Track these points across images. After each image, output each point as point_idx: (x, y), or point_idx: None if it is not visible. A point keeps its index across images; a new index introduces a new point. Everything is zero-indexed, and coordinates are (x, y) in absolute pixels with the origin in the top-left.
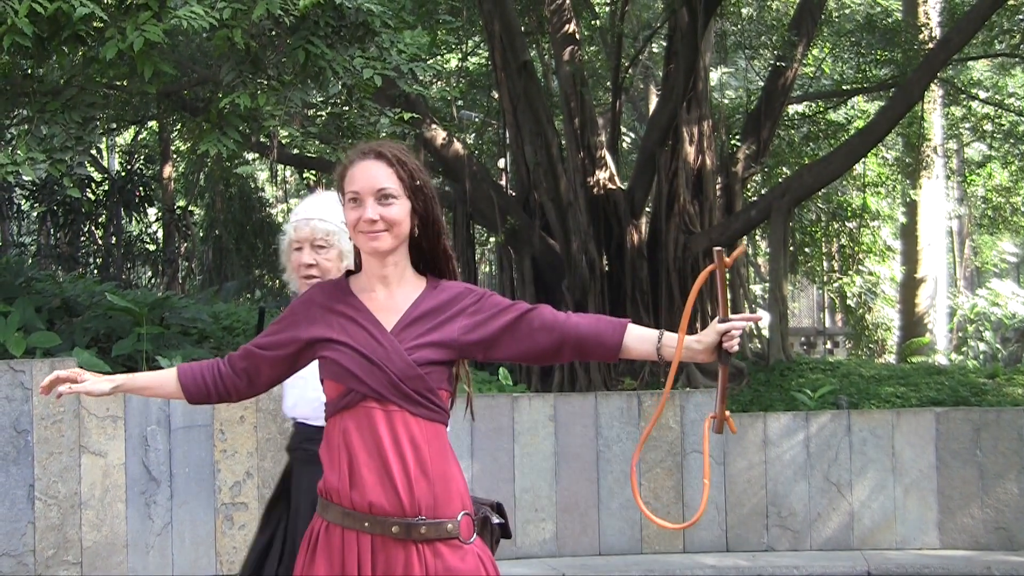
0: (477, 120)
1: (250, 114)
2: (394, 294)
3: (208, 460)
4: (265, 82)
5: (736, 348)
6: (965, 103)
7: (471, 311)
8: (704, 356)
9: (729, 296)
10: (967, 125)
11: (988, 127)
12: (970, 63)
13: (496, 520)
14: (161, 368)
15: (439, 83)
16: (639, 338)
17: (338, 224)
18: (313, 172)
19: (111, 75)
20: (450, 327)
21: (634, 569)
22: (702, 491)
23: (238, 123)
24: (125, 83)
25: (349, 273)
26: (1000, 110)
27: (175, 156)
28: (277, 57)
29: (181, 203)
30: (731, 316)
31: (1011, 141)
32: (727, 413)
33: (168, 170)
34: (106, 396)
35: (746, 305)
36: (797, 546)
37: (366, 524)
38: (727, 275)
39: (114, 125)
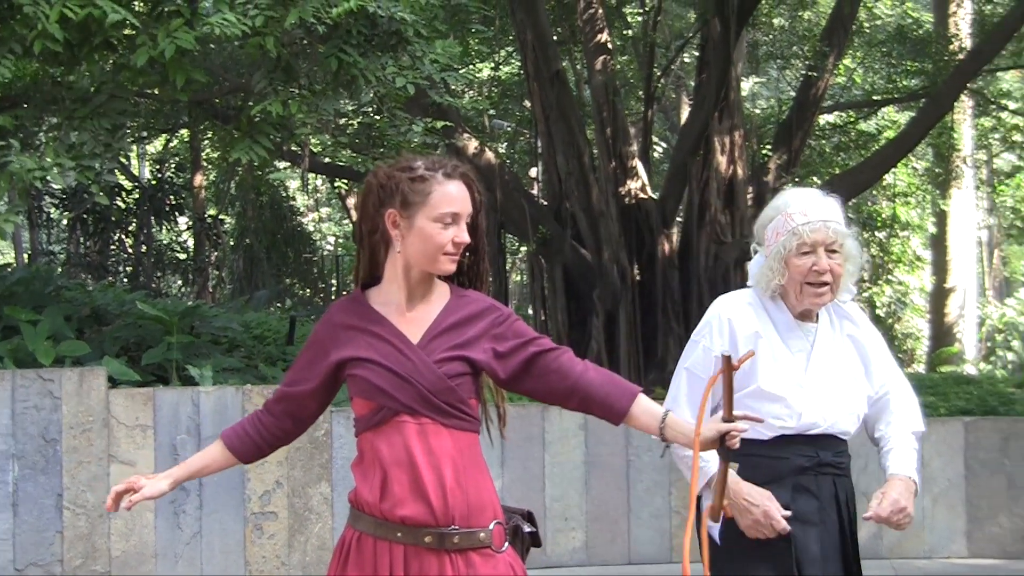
0: (509, 129)
1: (281, 122)
2: (418, 306)
3: (238, 470)
4: (297, 90)
5: (737, 446)
6: (995, 114)
7: (495, 334)
8: (699, 448)
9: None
10: (996, 136)
11: (1018, 138)
12: (1000, 74)
13: (527, 529)
14: (191, 376)
15: (471, 92)
16: (645, 411)
17: (846, 226)
18: (344, 181)
19: (142, 82)
20: (476, 348)
21: None
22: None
23: (269, 131)
24: (156, 91)
25: (364, 287)
26: None
27: (206, 164)
28: (309, 65)
29: (212, 211)
30: (735, 415)
31: None
32: (725, 503)
33: (199, 178)
34: (166, 493)
35: None
36: None
37: (399, 534)
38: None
39: (144, 133)
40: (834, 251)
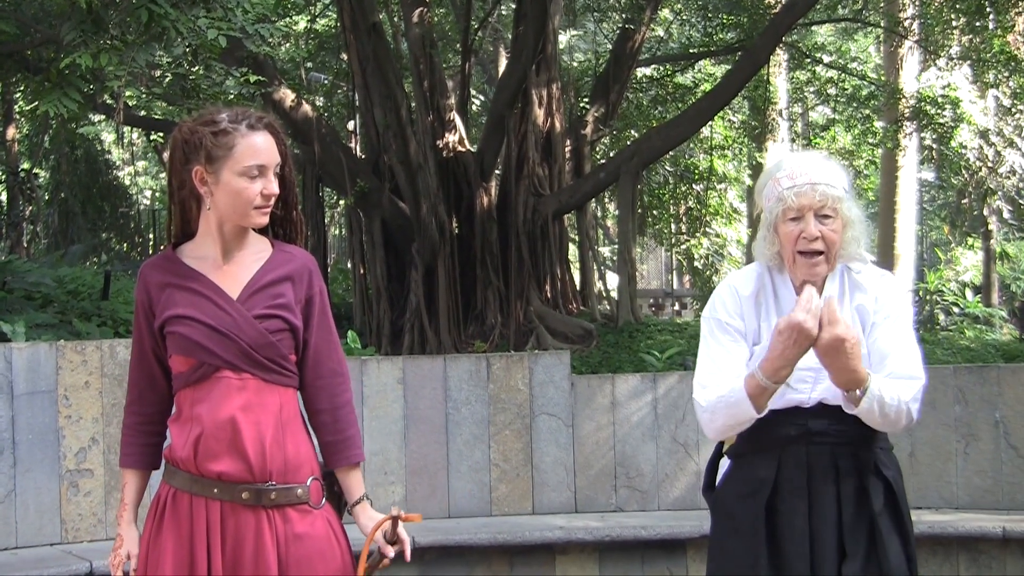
0: (326, 82)
1: (92, 74)
2: (235, 261)
3: (52, 426)
4: (108, 42)
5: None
6: (809, 67)
7: (307, 304)
8: (367, 536)
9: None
10: (811, 89)
11: (832, 91)
12: (814, 28)
13: None
14: (2, 332)
15: (287, 44)
16: (348, 485)
17: (845, 189)
18: (160, 134)
19: None
20: (293, 312)
21: (483, 532)
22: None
23: (80, 83)
24: None
25: (177, 243)
26: (843, 74)
27: (18, 117)
28: (120, 16)
29: (25, 165)
30: (400, 535)
31: (854, 105)
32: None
33: (11, 131)
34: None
35: (595, 267)
36: (646, 507)
37: (215, 490)
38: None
39: None
40: (827, 216)
